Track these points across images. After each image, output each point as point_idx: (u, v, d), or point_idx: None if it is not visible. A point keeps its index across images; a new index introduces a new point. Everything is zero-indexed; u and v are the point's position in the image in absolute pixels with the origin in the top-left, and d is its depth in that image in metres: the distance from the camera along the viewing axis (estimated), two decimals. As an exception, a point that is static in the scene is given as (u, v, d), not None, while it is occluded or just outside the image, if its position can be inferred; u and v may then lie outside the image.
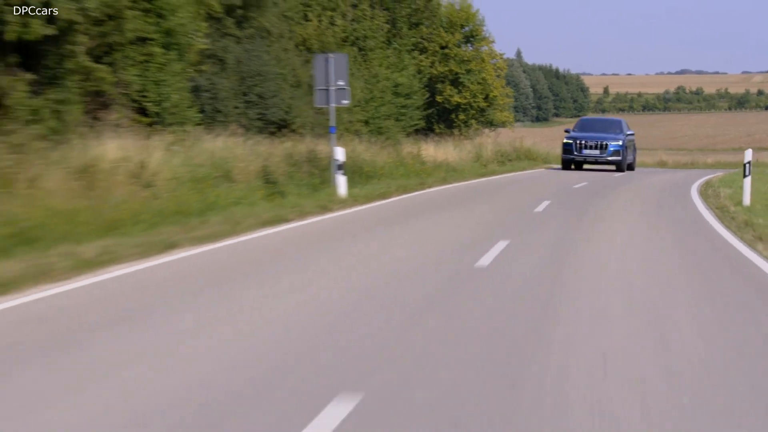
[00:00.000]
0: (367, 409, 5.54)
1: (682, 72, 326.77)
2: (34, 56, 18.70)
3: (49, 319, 8.27)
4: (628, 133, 38.48)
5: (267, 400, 5.77)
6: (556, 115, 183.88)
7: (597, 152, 36.37)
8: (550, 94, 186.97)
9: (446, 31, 46.85)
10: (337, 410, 5.44)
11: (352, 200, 19.89)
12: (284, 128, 28.10)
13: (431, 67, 45.71)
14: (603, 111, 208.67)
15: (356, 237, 14.47)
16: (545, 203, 20.49)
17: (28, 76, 18.44)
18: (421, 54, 44.29)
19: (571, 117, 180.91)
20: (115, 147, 18.32)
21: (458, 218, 17.37)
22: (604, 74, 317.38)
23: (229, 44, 26.59)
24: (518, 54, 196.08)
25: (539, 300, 9.23)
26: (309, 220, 16.24)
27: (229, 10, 27.64)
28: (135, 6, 21.92)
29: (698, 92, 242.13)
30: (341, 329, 7.85)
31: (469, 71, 47.84)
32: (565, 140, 37.57)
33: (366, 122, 34.84)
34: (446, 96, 47.46)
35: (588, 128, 38.66)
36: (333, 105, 22.37)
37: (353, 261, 11.72)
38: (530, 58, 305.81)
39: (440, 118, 48.08)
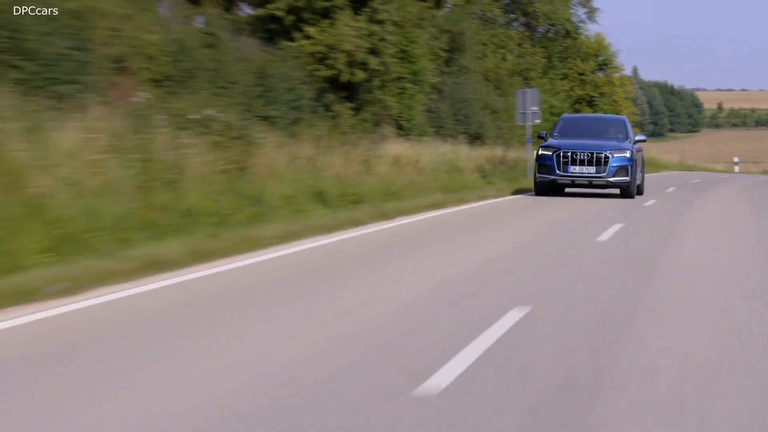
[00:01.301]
0: (626, 228, 16.34)
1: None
2: (352, 92, 29.96)
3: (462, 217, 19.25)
4: (638, 138, 27.08)
5: (568, 230, 16.67)
6: (672, 130, 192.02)
7: (592, 170, 24.66)
8: (666, 109, 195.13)
9: (582, 61, 57.46)
10: (613, 228, 16.27)
11: (547, 184, 30.86)
12: (478, 139, 39.13)
13: (570, 90, 56.31)
14: (717, 126, 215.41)
15: (568, 198, 25.46)
16: (672, 188, 31.29)
17: (349, 104, 29.72)
18: (562, 80, 54.95)
19: (686, 132, 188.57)
20: (402, 148, 29.47)
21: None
22: (718, 89, 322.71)
23: (446, 79, 37.73)
24: (635, 71, 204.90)
25: (679, 211, 20.05)
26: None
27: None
28: (395, 56, 33.12)
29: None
30: (592, 214, 18.86)
31: (602, 94, 58.31)
32: (540, 152, 25.66)
33: (529, 135, 45.71)
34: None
35: (575, 131, 26.87)
36: (529, 123, 33.31)
37: (572, 204, 22.81)
38: (646, 75, 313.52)
39: (577, 132, 58.52)
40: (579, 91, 57.36)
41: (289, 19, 28.55)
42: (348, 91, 29.58)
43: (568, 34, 52.10)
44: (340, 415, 5.37)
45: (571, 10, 51.77)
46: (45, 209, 12.92)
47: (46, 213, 12.80)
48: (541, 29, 50.95)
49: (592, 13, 53.05)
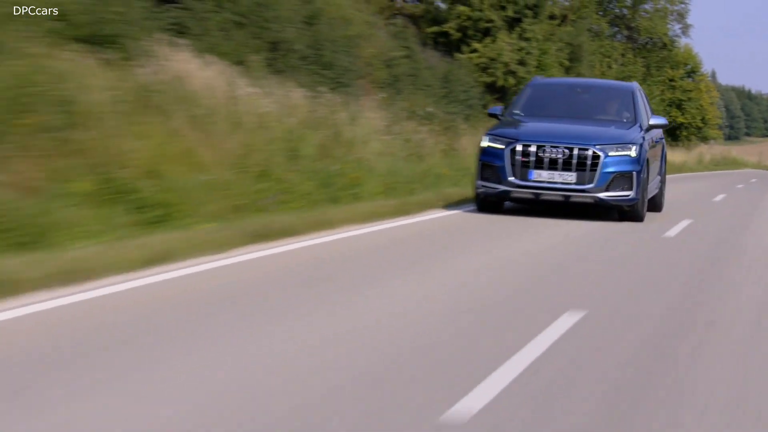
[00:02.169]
0: (730, 190, 24.32)
1: None
2: (502, 94, 38.06)
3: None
4: (653, 122, 17.21)
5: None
6: (747, 134, 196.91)
7: (570, 177, 15.46)
8: (742, 114, 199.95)
9: (672, 69, 64.95)
10: (719, 197, 24.27)
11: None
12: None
13: (662, 94, 63.83)
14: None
15: (681, 181, 33.33)
16: (754, 179, 39.12)
17: (500, 104, 37.83)
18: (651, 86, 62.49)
19: (762, 136, 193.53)
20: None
21: (713, 181, 35.98)
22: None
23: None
24: (713, 75, 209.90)
25: (756, 192, 27.84)
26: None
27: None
28: (530, 63, 41.14)
29: None
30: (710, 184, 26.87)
31: (689, 99, 65.81)
32: (485, 143, 16.21)
33: (629, 133, 53.64)
34: (672, 116, 65.43)
35: (549, 108, 17.61)
36: (639, 123, 41.09)
37: (685, 185, 30.77)
38: (724, 79, 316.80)
39: (666, 133, 66.19)
40: (669, 95, 64.94)
41: (457, 35, 36.68)
42: (500, 93, 37.69)
43: (664, 46, 59.75)
44: (589, 263, 13.51)
45: (668, 26, 59.48)
46: (373, 169, 21.18)
47: (374, 171, 21.06)
48: (641, 41, 58.68)
49: (686, 28, 60.72)
